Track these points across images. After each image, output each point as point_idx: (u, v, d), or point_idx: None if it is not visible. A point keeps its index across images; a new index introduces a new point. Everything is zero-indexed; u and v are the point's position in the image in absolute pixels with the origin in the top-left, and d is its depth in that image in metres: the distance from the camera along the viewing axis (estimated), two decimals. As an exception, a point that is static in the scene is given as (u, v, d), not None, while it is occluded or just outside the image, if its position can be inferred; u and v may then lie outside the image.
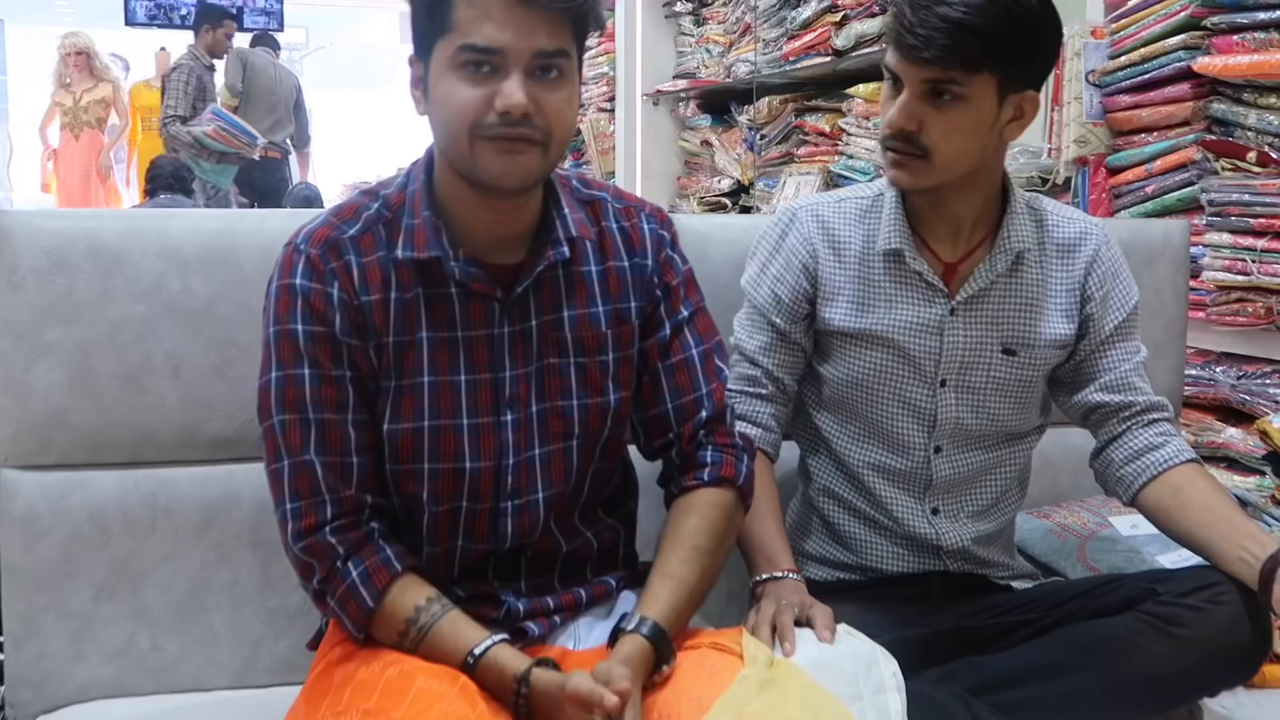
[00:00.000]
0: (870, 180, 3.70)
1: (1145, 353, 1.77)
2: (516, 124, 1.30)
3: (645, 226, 1.51)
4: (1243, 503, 2.23)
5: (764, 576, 1.58)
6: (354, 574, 1.36)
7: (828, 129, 4.10)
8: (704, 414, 1.50)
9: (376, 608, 1.36)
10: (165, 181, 5.81)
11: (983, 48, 1.54)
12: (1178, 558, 1.83)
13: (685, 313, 1.52)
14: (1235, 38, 2.34)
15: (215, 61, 7.22)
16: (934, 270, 1.69)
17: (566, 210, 1.44)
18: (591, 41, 6.96)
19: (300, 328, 1.36)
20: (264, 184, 7.35)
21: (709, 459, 1.49)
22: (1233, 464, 2.38)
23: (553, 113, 1.32)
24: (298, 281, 1.37)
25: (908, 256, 1.68)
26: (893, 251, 1.69)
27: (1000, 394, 1.73)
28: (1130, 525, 1.98)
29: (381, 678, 1.30)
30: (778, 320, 1.74)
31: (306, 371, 1.36)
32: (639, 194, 2.61)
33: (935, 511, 1.75)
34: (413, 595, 1.36)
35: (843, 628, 1.45)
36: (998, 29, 1.53)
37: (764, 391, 1.74)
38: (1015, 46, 1.56)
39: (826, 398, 1.77)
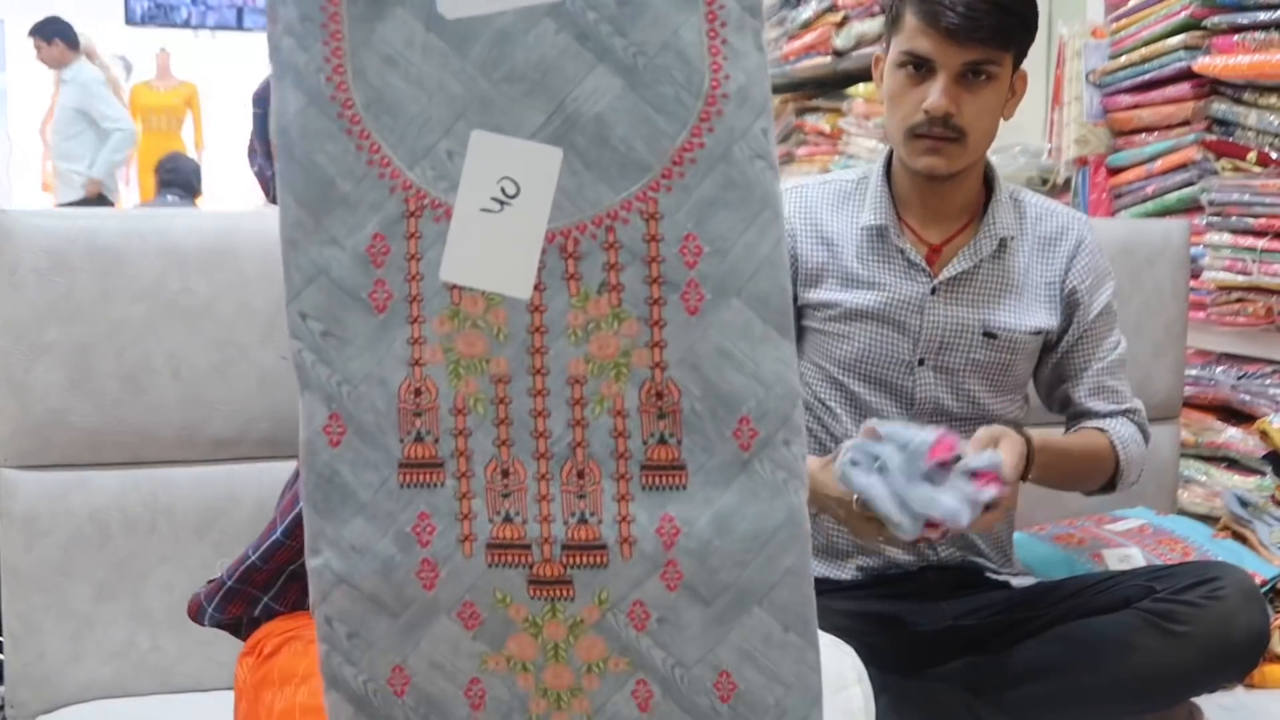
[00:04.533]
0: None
1: (1125, 346, 1.79)
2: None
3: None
4: (1243, 503, 2.23)
5: None
6: None
7: (828, 129, 4.10)
8: None
9: None
10: (183, 177, 5.81)
11: (1017, 26, 1.61)
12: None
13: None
14: (1235, 38, 2.34)
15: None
16: (916, 249, 1.70)
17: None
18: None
19: None
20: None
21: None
22: (1233, 464, 2.37)
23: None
24: None
25: (891, 233, 1.70)
26: (876, 228, 1.71)
27: (978, 376, 1.73)
28: (1120, 559, 1.98)
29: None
30: None
31: None
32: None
33: None
34: None
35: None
36: (1022, 6, 1.61)
37: None
38: (1031, 23, 1.64)
39: (802, 375, 1.76)
